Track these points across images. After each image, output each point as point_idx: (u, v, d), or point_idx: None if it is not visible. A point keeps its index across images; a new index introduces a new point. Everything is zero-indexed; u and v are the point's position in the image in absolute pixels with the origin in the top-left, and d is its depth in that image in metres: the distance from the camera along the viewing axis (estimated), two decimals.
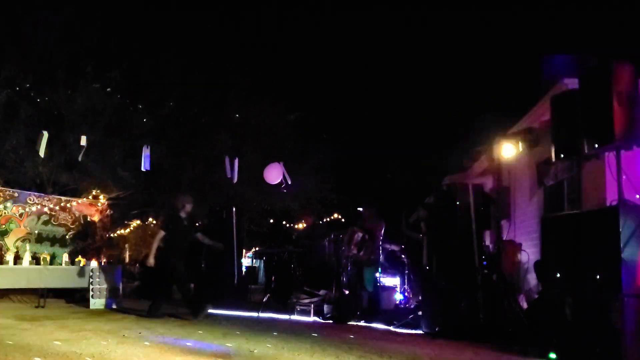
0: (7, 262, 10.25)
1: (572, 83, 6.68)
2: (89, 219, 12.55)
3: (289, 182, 10.66)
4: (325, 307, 9.37)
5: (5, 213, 11.43)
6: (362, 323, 8.71)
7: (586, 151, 5.77)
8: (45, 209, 11.93)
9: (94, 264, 10.65)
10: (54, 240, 11.97)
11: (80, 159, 10.28)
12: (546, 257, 6.26)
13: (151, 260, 8.77)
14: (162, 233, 8.81)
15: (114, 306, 10.15)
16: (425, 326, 7.75)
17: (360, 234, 9.48)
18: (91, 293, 10.12)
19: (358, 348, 6.08)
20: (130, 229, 19.54)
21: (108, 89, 12.23)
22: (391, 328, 8.14)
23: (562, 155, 6.16)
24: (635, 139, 5.48)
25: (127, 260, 21.81)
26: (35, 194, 12.10)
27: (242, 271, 12.61)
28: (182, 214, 8.83)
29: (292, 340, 6.57)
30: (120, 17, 12.82)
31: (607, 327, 5.06)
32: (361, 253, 9.38)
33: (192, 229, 9.12)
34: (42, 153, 10.17)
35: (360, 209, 10.60)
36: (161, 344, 6.03)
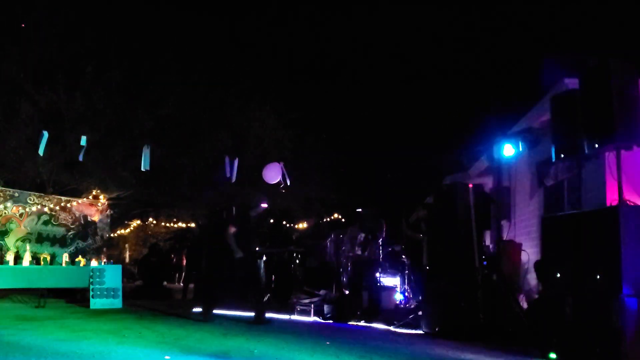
0: (7, 262, 10.25)
1: (572, 83, 6.68)
2: (89, 219, 12.55)
3: (288, 183, 10.66)
4: (326, 307, 9.38)
5: (5, 213, 11.44)
6: (362, 323, 8.71)
7: (586, 151, 5.78)
8: (46, 209, 11.93)
9: (94, 264, 10.66)
10: (54, 240, 11.97)
11: (80, 158, 10.27)
12: (546, 257, 6.27)
13: (240, 252, 8.38)
14: (233, 229, 8.47)
15: (114, 306, 10.15)
16: (425, 326, 7.75)
17: (363, 235, 9.50)
18: (91, 293, 10.12)
19: (358, 348, 6.08)
20: (131, 229, 19.56)
21: (108, 89, 12.21)
22: (391, 328, 8.15)
23: (562, 155, 6.17)
24: (635, 139, 5.49)
25: (127, 260, 21.84)
26: (36, 194, 12.09)
27: None
28: (253, 213, 8.70)
29: (292, 340, 6.57)
30: (120, 17, 12.82)
31: (607, 327, 5.06)
32: (366, 253, 9.39)
33: (256, 230, 8.91)
34: (42, 153, 10.17)
35: (360, 210, 10.60)
36: (162, 343, 6.03)
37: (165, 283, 16.14)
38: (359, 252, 9.41)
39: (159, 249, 15.62)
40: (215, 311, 8.98)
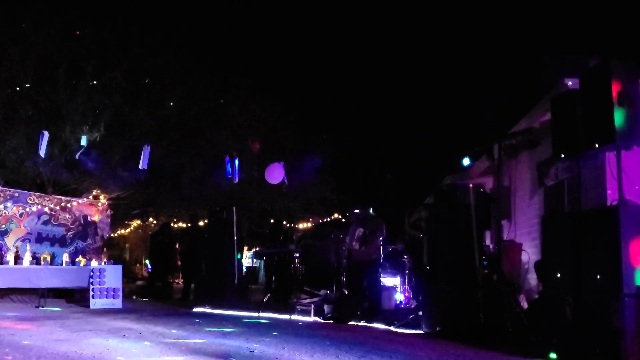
0: (7, 262, 10.25)
1: (572, 83, 6.68)
2: (89, 219, 12.55)
3: (286, 183, 10.68)
4: (326, 307, 9.37)
5: (5, 213, 11.44)
6: (362, 323, 8.71)
7: (586, 151, 5.77)
8: (46, 209, 11.93)
9: (94, 263, 10.66)
10: (54, 240, 11.97)
11: (78, 157, 10.28)
12: (546, 257, 6.26)
13: None
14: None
15: (115, 306, 10.16)
16: (426, 326, 7.74)
17: (362, 230, 9.51)
18: (91, 293, 10.13)
19: (358, 348, 6.08)
20: (131, 229, 19.56)
21: (108, 89, 12.21)
22: (391, 328, 8.14)
23: (562, 155, 6.16)
24: (635, 139, 5.48)
25: (127, 260, 21.84)
26: (36, 194, 12.10)
27: (242, 271, 12.61)
28: None
29: (292, 340, 6.57)
30: (120, 17, 12.81)
31: (607, 327, 5.06)
32: (363, 248, 9.38)
33: None
34: (42, 153, 10.19)
35: (357, 210, 10.59)
36: (161, 343, 6.03)
37: (159, 284, 16.05)
38: (357, 247, 9.39)
39: (169, 230, 15.37)
40: (215, 311, 8.98)
